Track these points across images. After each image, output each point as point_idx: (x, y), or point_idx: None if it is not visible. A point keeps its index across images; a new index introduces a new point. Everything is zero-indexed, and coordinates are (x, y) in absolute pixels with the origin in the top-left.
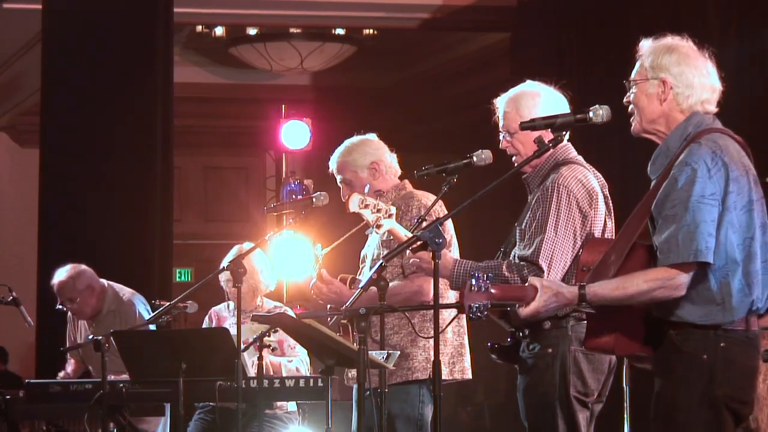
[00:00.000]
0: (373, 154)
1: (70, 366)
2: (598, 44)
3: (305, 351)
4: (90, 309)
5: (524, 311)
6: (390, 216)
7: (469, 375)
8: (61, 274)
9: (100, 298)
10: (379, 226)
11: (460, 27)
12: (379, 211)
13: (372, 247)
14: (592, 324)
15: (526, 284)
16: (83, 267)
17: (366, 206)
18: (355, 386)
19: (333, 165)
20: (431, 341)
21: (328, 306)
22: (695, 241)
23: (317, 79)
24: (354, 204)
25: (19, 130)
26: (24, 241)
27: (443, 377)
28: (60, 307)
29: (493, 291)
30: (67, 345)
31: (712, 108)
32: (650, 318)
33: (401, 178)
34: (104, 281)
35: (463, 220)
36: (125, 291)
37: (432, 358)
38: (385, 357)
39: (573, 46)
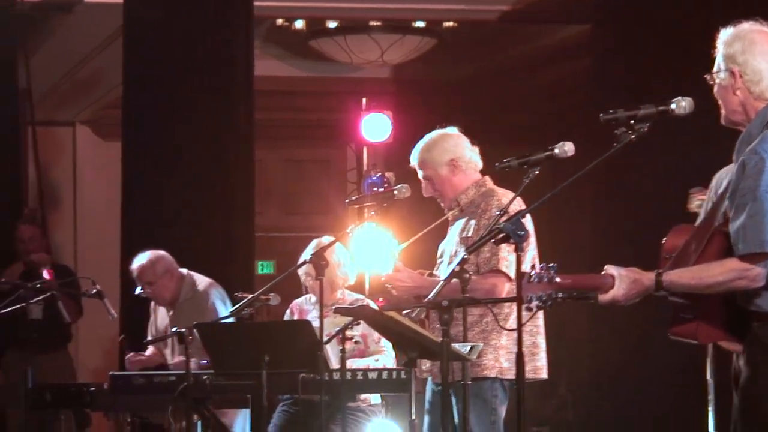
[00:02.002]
0: (453, 150)
1: (149, 351)
2: (682, 35)
3: (390, 345)
4: (168, 294)
5: (603, 299)
6: None
7: (542, 375)
8: (140, 259)
9: (178, 284)
10: None
11: (540, 19)
12: None
13: (450, 243)
14: (676, 311)
15: (603, 272)
16: (163, 252)
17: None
18: (429, 378)
19: (413, 161)
20: (502, 340)
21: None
22: (763, 231)
23: (397, 71)
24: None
25: (100, 123)
26: (106, 235)
27: (509, 377)
28: (139, 291)
29: (559, 280)
30: (148, 335)
31: None
32: (736, 306)
33: (483, 173)
34: (184, 270)
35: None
36: (203, 281)
37: (501, 357)
38: (468, 349)
39: (656, 37)
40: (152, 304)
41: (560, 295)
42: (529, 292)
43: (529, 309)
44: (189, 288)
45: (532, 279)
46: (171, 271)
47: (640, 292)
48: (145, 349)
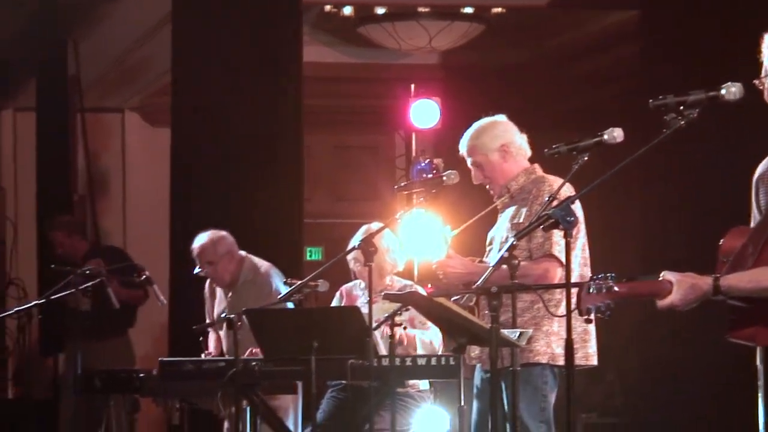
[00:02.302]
0: (503, 136)
1: (211, 343)
2: (731, 19)
3: (437, 330)
4: (228, 275)
5: (661, 304)
6: None
7: (593, 362)
8: (202, 238)
9: (239, 266)
10: None
11: (589, 4)
12: None
13: (500, 229)
14: (734, 314)
15: (660, 278)
16: (224, 233)
17: None
18: (478, 366)
19: (463, 148)
20: (554, 327)
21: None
22: None
23: (446, 57)
24: None
25: (150, 110)
26: (155, 221)
27: (560, 363)
28: (198, 270)
29: (617, 289)
30: (206, 321)
31: None
32: None
33: (531, 160)
34: (243, 252)
35: (592, 202)
36: (263, 264)
37: (553, 344)
38: (517, 336)
39: (705, 21)
40: (207, 289)
41: (613, 304)
42: (587, 303)
43: (588, 321)
44: (249, 270)
45: (590, 290)
46: (232, 252)
47: (698, 297)
48: (198, 335)
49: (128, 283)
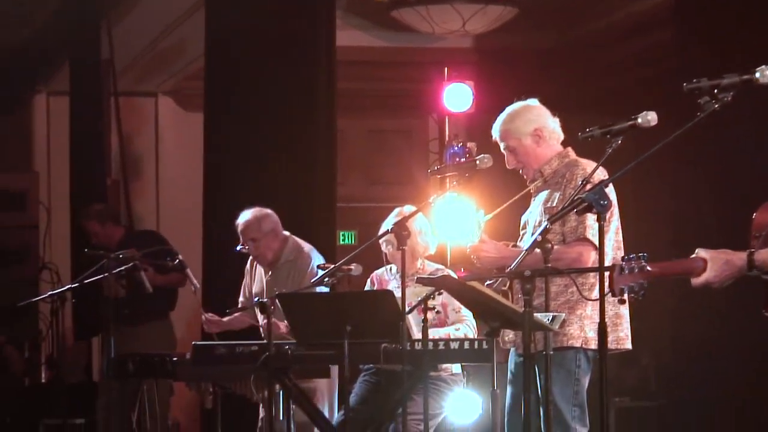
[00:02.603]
0: (536, 120)
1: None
2: (766, 4)
3: (471, 314)
4: (271, 253)
5: (696, 282)
6: None
7: (626, 345)
8: (246, 215)
9: (281, 245)
10: None
11: None
12: None
13: (534, 214)
14: None
15: (693, 256)
16: (269, 210)
17: None
18: (512, 350)
19: (496, 133)
20: (588, 311)
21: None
22: None
23: (479, 41)
24: None
25: (183, 94)
26: (188, 205)
27: (592, 347)
28: (240, 248)
29: (650, 269)
30: (241, 295)
31: None
32: None
33: (564, 143)
34: (286, 232)
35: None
36: (306, 245)
37: (586, 327)
38: (550, 319)
39: (739, 5)
40: (248, 266)
41: (647, 284)
42: (620, 283)
43: (622, 301)
44: (291, 250)
45: (623, 270)
46: (276, 230)
47: (733, 274)
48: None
49: (162, 267)
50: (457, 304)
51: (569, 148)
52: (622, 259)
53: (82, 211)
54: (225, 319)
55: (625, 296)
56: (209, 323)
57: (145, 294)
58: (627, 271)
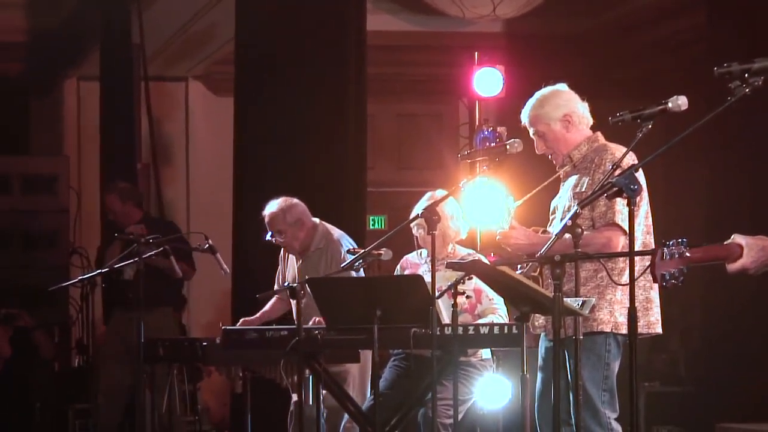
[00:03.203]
0: (566, 105)
1: (268, 305)
2: None
3: (502, 302)
4: (298, 243)
5: (732, 268)
6: None
7: (657, 329)
8: (272, 206)
9: (310, 234)
10: None
11: None
12: None
13: (563, 199)
14: None
15: (729, 242)
16: (295, 200)
17: None
18: (542, 335)
19: (525, 118)
20: (617, 295)
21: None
22: None
23: (510, 25)
24: None
25: (213, 79)
26: (218, 190)
27: (623, 332)
28: (269, 238)
29: (688, 255)
30: (275, 284)
31: None
32: None
33: (593, 128)
34: (316, 219)
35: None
36: (336, 231)
37: (616, 312)
38: (579, 304)
39: None
40: (281, 253)
41: (686, 269)
42: (661, 269)
43: (663, 287)
44: (321, 237)
45: (664, 256)
46: (302, 220)
47: None
48: (259, 305)
49: (187, 254)
50: (491, 292)
51: (598, 133)
52: (663, 244)
53: (108, 185)
54: (258, 314)
55: (666, 283)
56: (245, 324)
57: (158, 280)
58: (668, 257)
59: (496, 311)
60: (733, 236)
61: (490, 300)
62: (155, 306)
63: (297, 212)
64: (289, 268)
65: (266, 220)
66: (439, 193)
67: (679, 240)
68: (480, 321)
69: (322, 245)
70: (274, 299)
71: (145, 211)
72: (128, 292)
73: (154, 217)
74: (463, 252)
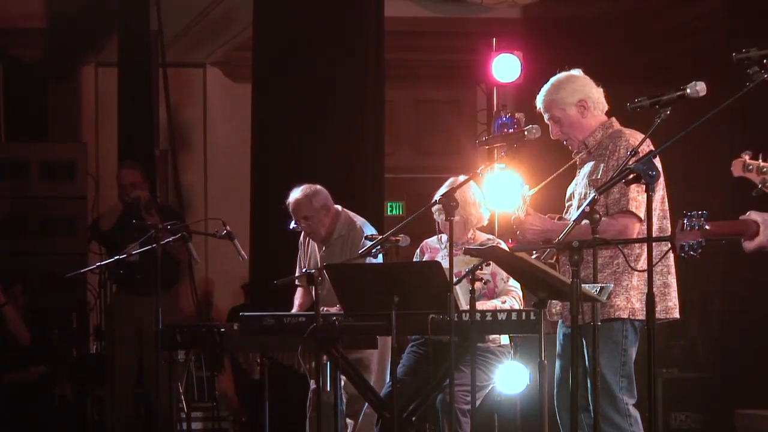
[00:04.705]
0: (581, 90)
1: (297, 299)
2: None
3: (518, 286)
4: (323, 229)
5: (749, 246)
6: None
7: (674, 315)
8: (297, 193)
9: (334, 220)
10: None
11: None
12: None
13: (579, 185)
14: None
15: (745, 218)
16: (319, 186)
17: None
18: (560, 322)
19: (540, 103)
20: (634, 281)
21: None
22: None
23: (528, 11)
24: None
25: (231, 65)
26: (237, 176)
27: (641, 318)
28: (293, 226)
29: (707, 228)
30: (296, 271)
31: None
32: None
33: (608, 114)
34: (338, 206)
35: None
36: (358, 219)
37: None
38: (598, 290)
39: None
40: (301, 240)
41: (704, 242)
42: (681, 240)
43: (682, 256)
44: (344, 224)
45: (685, 227)
46: (327, 206)
47: None
48: (280, 289)
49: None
50: (506, 274)
51: (613, 119)
52: (684, 215)
53: (128, 161)
54: (295, 305)
55: (684, 253)
56: None
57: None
58: (688, 228)
59: (510, 293)
60: (749, 212)
61: (505, 282)
62: (164, 289)
63: (322, 197)
64: (310, 254)
65: (291, 207)
66: (462, 178)
67: (700, 212)
68: (494, 302)
69: (344, 232)
70: (300, 295)
71: (160, 197)
72: (134, 273)
73: (160, 202)
74: (483, 237)
